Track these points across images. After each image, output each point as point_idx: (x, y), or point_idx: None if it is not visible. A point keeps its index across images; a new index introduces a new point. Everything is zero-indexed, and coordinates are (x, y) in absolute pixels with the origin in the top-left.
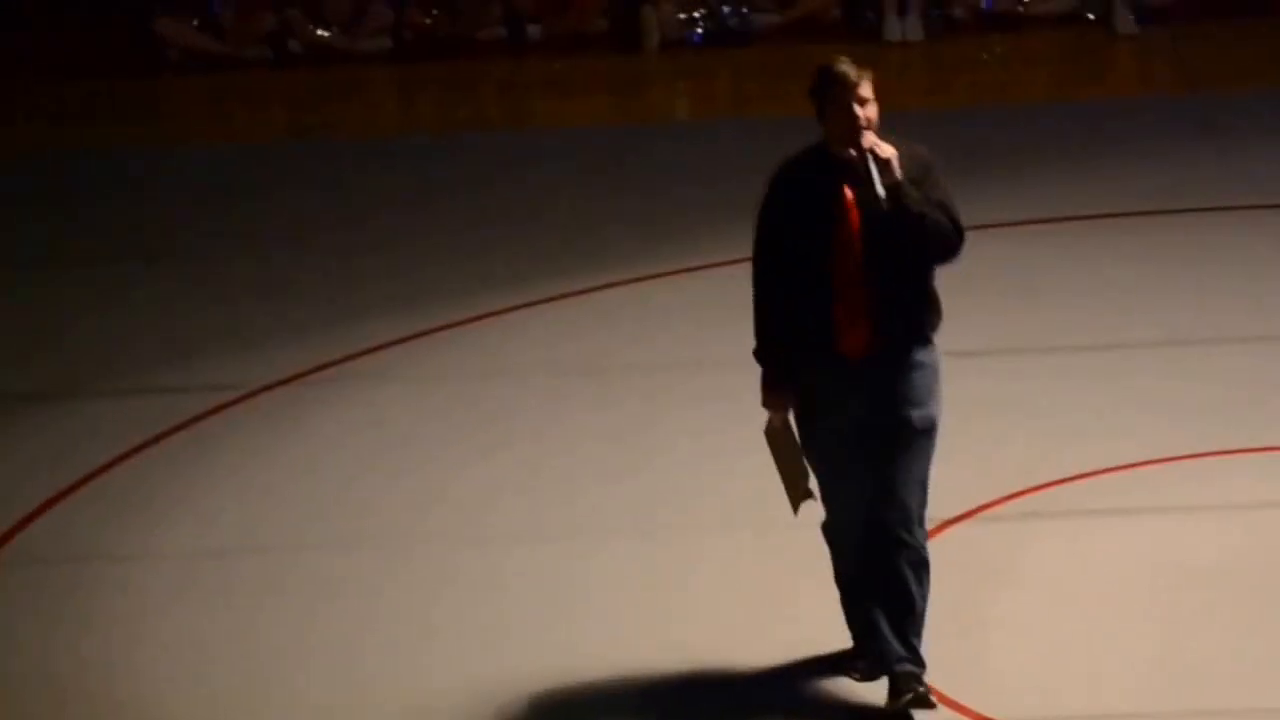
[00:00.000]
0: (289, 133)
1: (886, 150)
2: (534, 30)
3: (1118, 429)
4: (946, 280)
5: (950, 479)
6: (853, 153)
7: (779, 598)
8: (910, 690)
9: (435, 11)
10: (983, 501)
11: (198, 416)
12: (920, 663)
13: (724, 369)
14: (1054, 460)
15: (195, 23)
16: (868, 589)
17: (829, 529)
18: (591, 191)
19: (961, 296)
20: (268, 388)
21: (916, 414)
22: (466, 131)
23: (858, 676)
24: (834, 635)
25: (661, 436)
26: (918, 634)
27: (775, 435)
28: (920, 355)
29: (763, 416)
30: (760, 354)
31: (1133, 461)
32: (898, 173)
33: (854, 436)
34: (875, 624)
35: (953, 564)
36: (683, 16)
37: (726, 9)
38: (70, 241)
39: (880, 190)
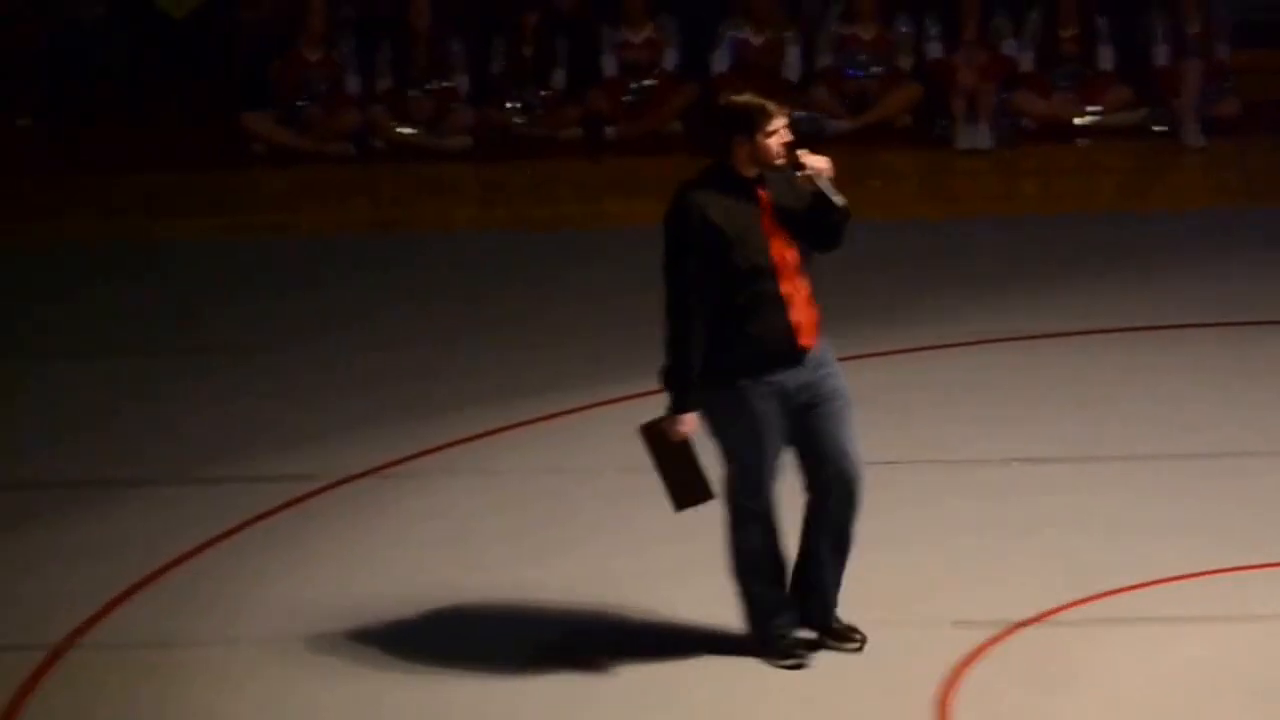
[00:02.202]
0: (370, 226)
1: (821, 161)
2: (611, 131)
3: (1187, 536)
4: (1012, 388)
5: (1018, 583)
6: (799, 175)
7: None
8: (860, 638)
9: (514, 111)
10: (1051, 606)
11: (280, 506)
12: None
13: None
14: (1122, 567)
15: (280, 118)
16: (780, 561)
17: (753, 505)
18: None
19: (1029, 405)
20: (346, 480)
21: (833, 380)
22: (543, 229)
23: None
24: None
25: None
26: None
27: (674, 445)
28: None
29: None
30: (676, 372)
31: (1203, 570)
32: (830, 173)
33: (781, 419)
34: (820, 580)
35: (1020, 668)
36: None
37: (800, 113)
38: (162, 331)
39: (836, 198)
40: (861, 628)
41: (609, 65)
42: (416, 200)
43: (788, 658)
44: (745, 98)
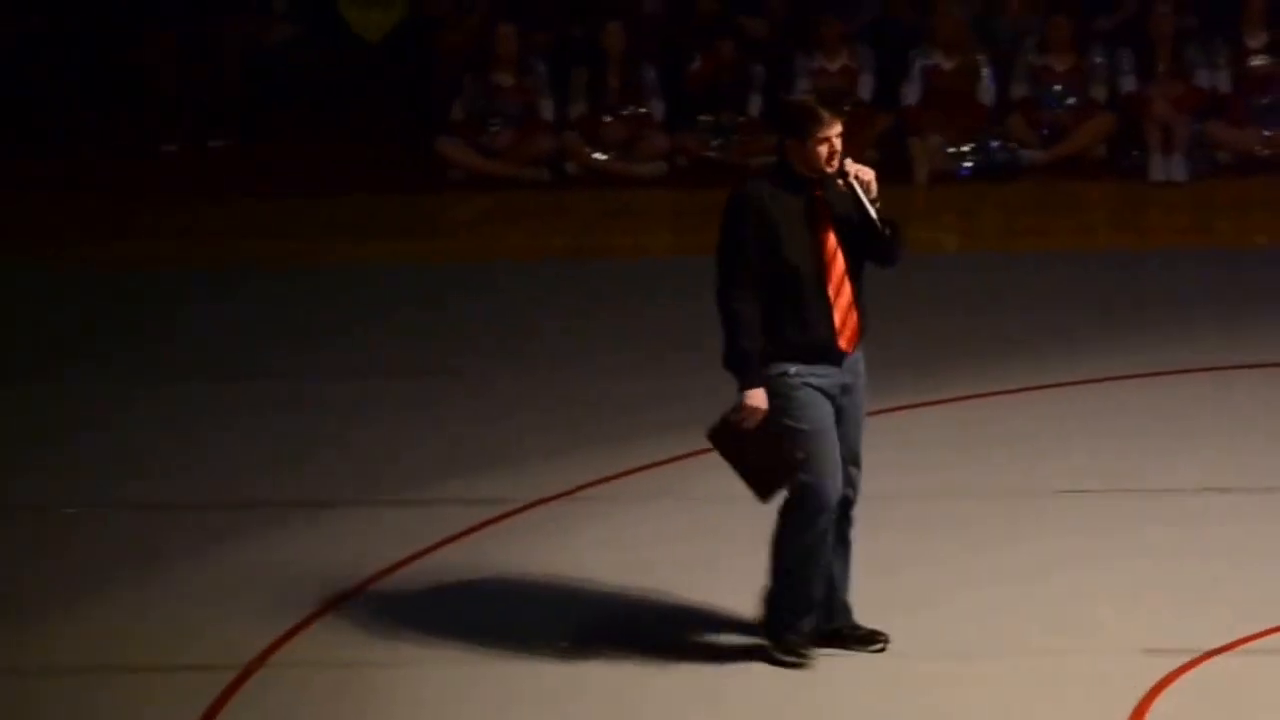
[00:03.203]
0: (564, 252)
1: (867, 173)
2: None
3: None
4: (1203, 419)
5: (1210, 611)
6: (840, 182)
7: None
8: (883, 639)
9: (708, 137)
10: (1243, 635)
11: (474, 527)
12: None
13: (981, 499)
14: None
15: (474, 144)
16: (829, 558)
17: (816, 499)
18: None
19: (1219, 435)
20: (540, 502)
21: (861, 398)
22: None
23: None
24: None
25: (922, 565)
26: None
27: (749, 434)
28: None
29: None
30: (733, 354)
31: None
32: (874, 189)
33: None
34: (835, 577)
35: (1211, 696)
36: (951, 150)
37: (994, 144)
38: (358, 354)
39: (872, 210)
40: (1052, 654)
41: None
42: (610, 226)
43: (794, 655)
44: (802, 100)
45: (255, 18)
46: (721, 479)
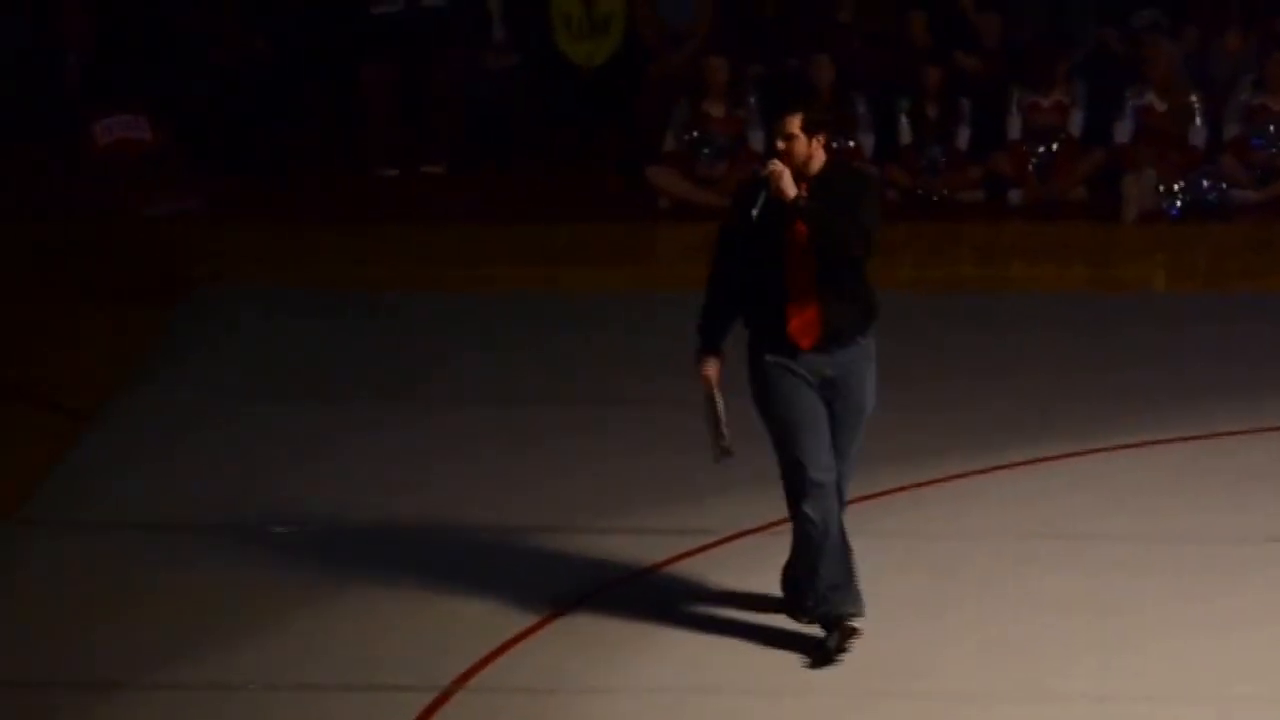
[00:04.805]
0: None
1: (776, 168)
2: (1014, 195)
3: None
4: None
5: None
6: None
7: None
8: (847, 635)
9: (917, 170)
10: None
11: (670, 559)
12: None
13: (1191, 542)
14: None
15: (684, 173)
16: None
17: (796, 479)
18: (1065, 357)
19: None
20: (740, 535)
21: (854, 400)
22: (941, 291)
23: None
24: None
25: (1126, 609)
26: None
27: (706, 398)
28: (863, 344)
29: None
30: (700, 324)
31: None
32: (789, 189)
33: (819, 403)
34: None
35: None
36: (1162, 189)
37: (1205, 183)
38: (564, 381)
39: (753, 210)
40: (1247, 700)
41: (1013, 127)
42: None
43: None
44: (774, 97)
45: (474, 48)
46: (918, 515)
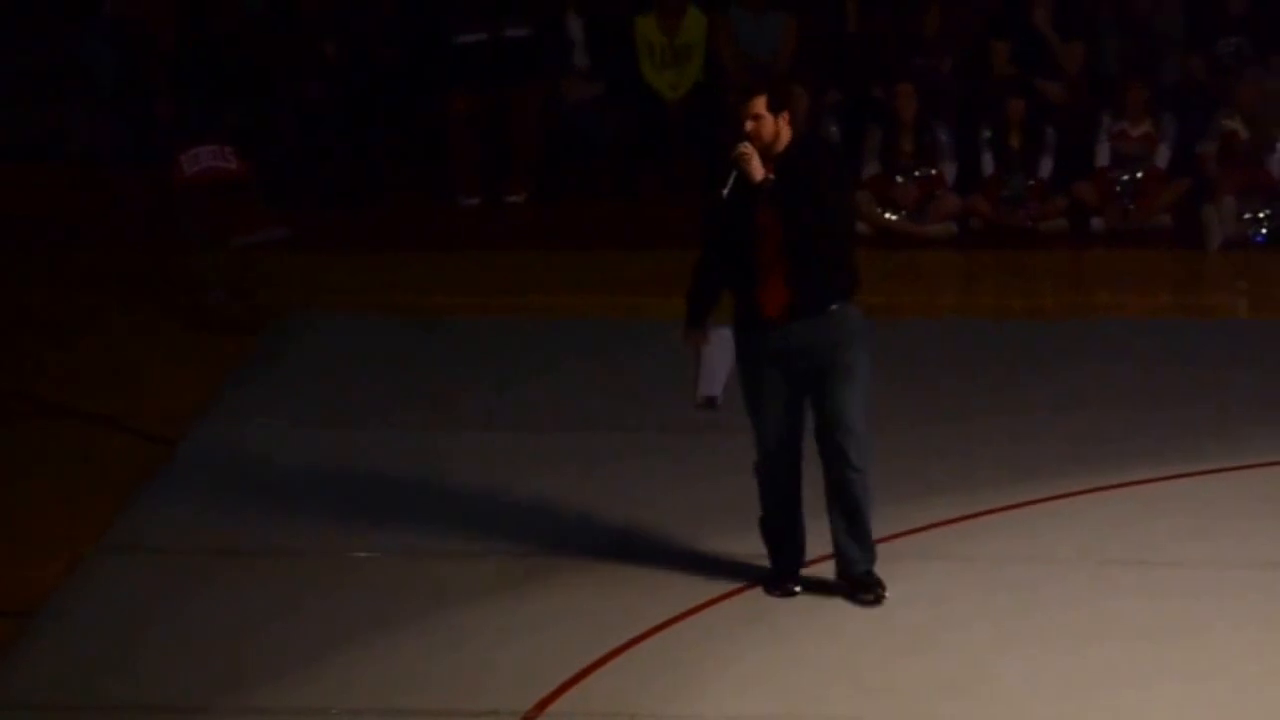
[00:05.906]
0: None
1: (745, 151)
2: (1097, 223)
3: None
4: None
5: None
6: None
7: None
8: (873, 592)
9: (999, 199)
10: None
11: (746, 586)
12: (872, 558)
13: (1277, 568)
14: None
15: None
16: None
17: (758, 444)
18: (1148, 383)
19: None
20: (815, 561)
21: (836, 355)
22: (1021, 318)
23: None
24: None
25: (1209, 633)
26: (868, 535)
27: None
28: (836, 310)
29: None
30: (687, 300)
31: None
32: (755, 172)
33: (780, 384)
34: (835, 539)
35: None
36: (1246, 216)
37: (1264, 211)
38: (631, 407)
39: (724, 190)
40: None
41: (1102, 155)
42: (898, 286)
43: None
44: (741, 83)
45: (557, 77)
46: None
